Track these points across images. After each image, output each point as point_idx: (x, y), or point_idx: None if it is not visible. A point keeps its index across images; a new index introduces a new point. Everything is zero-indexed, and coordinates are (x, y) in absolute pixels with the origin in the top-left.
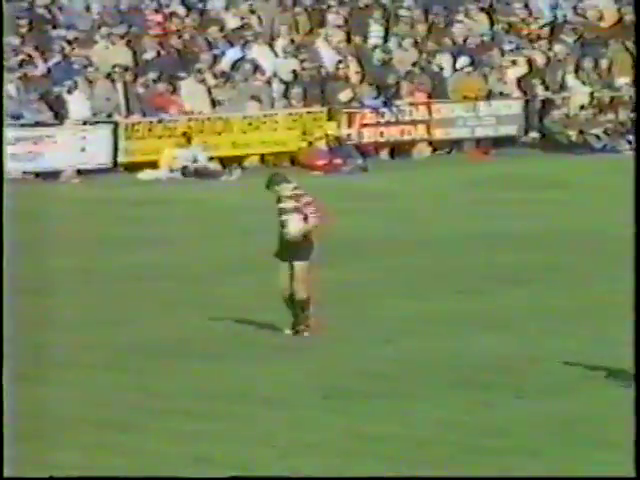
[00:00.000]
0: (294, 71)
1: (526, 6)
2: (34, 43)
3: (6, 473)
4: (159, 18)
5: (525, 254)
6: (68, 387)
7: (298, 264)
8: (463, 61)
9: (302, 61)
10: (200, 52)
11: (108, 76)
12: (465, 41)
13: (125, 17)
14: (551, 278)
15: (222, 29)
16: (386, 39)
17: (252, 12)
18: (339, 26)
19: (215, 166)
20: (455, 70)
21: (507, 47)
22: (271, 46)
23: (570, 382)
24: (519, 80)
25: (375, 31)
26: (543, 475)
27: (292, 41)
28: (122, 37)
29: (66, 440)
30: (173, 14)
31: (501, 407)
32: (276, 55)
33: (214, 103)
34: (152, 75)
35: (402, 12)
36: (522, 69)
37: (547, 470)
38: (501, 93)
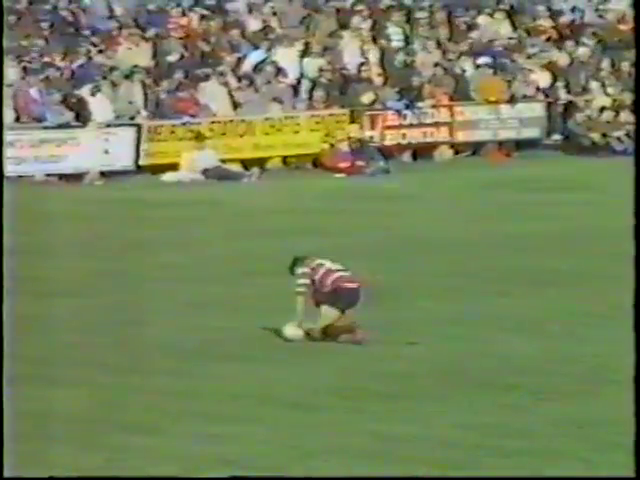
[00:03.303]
0: (318, 73)
1: (548, 9)
2: (57, 45)
3: (39, 474)
4: (182, 21)
5: (548, 257)
6: (91, 389)
7: None
8: (483, 61)
9: (326, 63)
10: (223, 55)
11: (129, 78)
12: (488, 44)
13: (148, 19)
14: (574, 281)
15: (244, 32)
16: (409, 41)
17: (274, 14)
18: (362, 28)
19: (236, 168)
20: (477, 67)
21: (530, 50)
22: (293, 48)
23: (593, 385)
24: (544, 89)
25: (397, 33)
26: (561, 476)
27: (315, 43)
28: (145, 39)
29: (89, 442)
30: (196, 16)
31: (523, 409)
32: (299, 57)
33: (236, 105)
34: (175, 77)
35: (420, 14)
36: (547, 77)
37: (568, 472)
38: (524, 96)
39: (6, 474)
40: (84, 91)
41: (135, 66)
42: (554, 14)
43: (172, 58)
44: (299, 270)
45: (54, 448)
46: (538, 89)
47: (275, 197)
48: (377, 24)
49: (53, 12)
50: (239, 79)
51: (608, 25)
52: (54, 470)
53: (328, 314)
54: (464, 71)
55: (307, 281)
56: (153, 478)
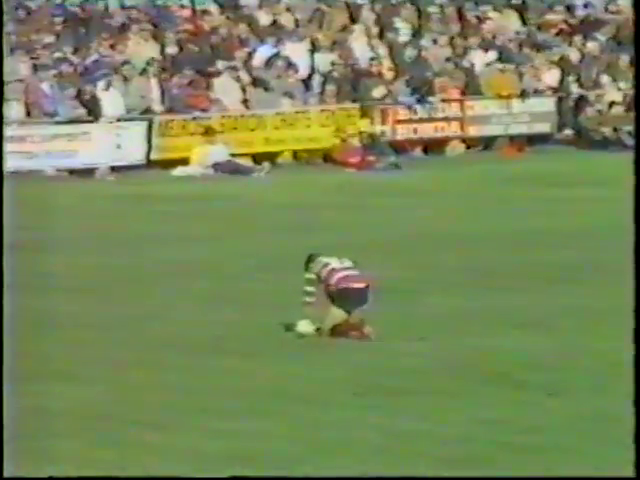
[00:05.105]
0: (329, 67)
1: (558, 4)
2: (69, 41)
3: (51, 471)
4: (192, 15)
5: (559, 252)
6: (102, 385)
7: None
8: (491, 55)
9: (337, 57)
10: (234, 49)
11: (142, 73)
12: (494, 37)
13: (159, 14)
14: (585, 276)
15: (254, 26)
16: (419, 35)
17: (285, 9)
18: (372, 23)
19: (247, 162)
20: (487, 65)
21: (541, 44)
22: (304, 43)
23: (603, 380)
24: (554, 88)
25: (407, 28)
26: (573, 475)
27: (325, 38)
28: (155, 34)
29: (100, 438)
30: (206, 11)
31: (534, 405)
32: (310, 52)
33: (247, 100)
34: (185, 72)
35: (432, 9)
36: (557, 74)
37: (580, 469)
38: (535, 90)
39: (12, 472)
40: (96, 86)
41: (151, 58)
42: (567, 9)
43: (182, 53)
44: (305, 275)
45: (63, 445)
46: (549, 87)
47: (285, 192)
48: (388, 19)
49: (64, 7)
50: (250, 74)
51: (621, 21)
52: (63, 466)
53: (335, 314)
54: (473, 65)
55: (312, 289)
56: (154, 478)
